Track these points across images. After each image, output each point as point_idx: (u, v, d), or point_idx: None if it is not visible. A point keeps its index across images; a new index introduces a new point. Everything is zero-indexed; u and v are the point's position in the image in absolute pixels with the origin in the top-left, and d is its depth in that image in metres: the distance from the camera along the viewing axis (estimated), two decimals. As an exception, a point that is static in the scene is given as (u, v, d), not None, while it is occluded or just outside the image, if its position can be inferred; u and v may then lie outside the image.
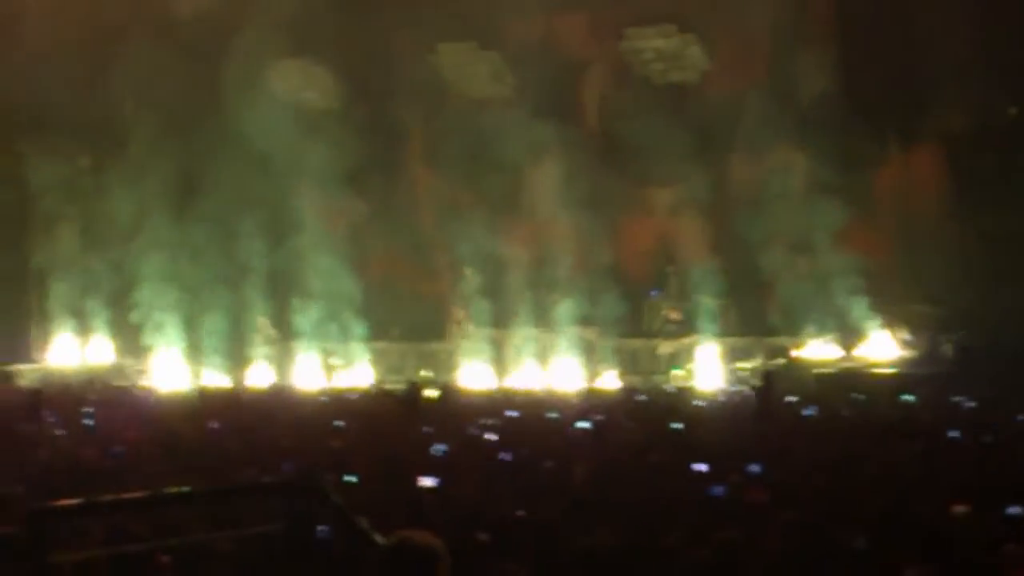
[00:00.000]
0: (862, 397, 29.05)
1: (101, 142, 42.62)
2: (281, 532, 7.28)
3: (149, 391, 37.75)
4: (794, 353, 38.25)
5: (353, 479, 15.91)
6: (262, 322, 43.71)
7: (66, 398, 30.99)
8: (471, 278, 42.58)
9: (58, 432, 22.00)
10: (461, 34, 43.32)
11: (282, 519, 7.22)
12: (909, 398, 28.74)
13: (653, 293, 42.19)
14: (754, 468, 15.13)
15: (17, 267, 44.69)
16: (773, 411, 25.57)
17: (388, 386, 34.20)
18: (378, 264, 43.25)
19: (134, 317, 42.87)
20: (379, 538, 6.64)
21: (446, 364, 42.43)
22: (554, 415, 25.41)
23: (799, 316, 38.94)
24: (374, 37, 42.47)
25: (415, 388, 28.64)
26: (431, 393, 31.91)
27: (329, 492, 7.39)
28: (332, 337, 43.05)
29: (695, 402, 31.84)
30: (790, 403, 28.23)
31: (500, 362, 42.01)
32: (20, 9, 41.92)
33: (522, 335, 42.27)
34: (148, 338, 42.85)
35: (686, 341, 40.58)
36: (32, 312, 45.29)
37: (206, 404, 30.66)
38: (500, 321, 42.95)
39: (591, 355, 41.41)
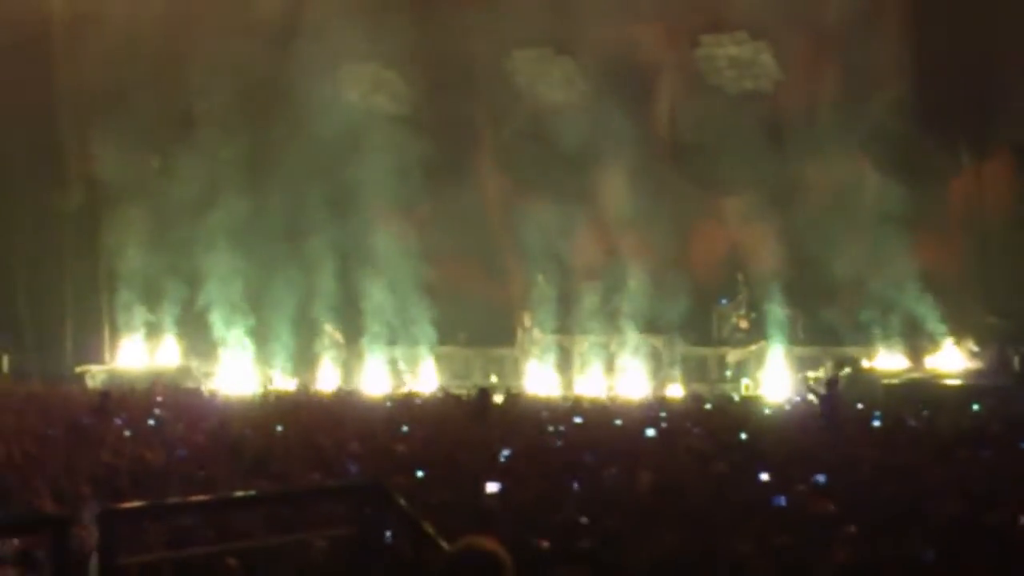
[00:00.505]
0: (930, 408, 28.81)
1: (171, 144, 42.86)
2: (347, 536, 7.30)
3: (215, 393, 37.93)
4: (863, 363, 38.01)
5: (419, 473, 16.02)
6: (329, 329, 43.87)
7: (133, 400, 31.20)
8: (543, 284, 42.58)
9: (125, 434, 22.12)
10: (536, 40, 43.30)
11: (348, 523, 7.23)
12: (977, 408, 28.52)
13: (722, 301, 42.02)
14: (820, 478, 15.04)
15: (88, 269, 45.09)
16: (840, 421, 25.40)
17: (454, 390, 34.10)
18: (446, 268, 43.27)
19: (202, 319, 43.12)
20: (444, 543, 6.65)
21: (512, 370, 42.42)
22: (619, 422, 25.35)
23: (868, 326, 38.70)
24: (449, 42, 42.54)
25: (485, 394, 28.60)
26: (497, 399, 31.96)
27: (395, 497, 7.41)
28: (399, 341, 43.16)
29: (762, 411, 31.69)
30: (858, 412, 28.08)
31: (566, 368, 41.97)
32: (92, 11, 42.23)
33: (589, 341, 42.23)
34: (215, 340, 43.11)
35: (754, 349, 40.40)
36: (102, 314, 45.64)
37: (272, 407, 30.78)
38: (567, 327, 42.95)
39: (658, 362, 41.31)
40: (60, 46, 43.84)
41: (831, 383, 28.77)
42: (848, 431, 23.43)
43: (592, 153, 40.83)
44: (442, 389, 37.33)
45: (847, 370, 36.83)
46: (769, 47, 41.31)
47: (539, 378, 41.18)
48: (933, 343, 37.78)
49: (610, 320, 42.11)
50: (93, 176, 44.15)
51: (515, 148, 42.97)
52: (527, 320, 42.68)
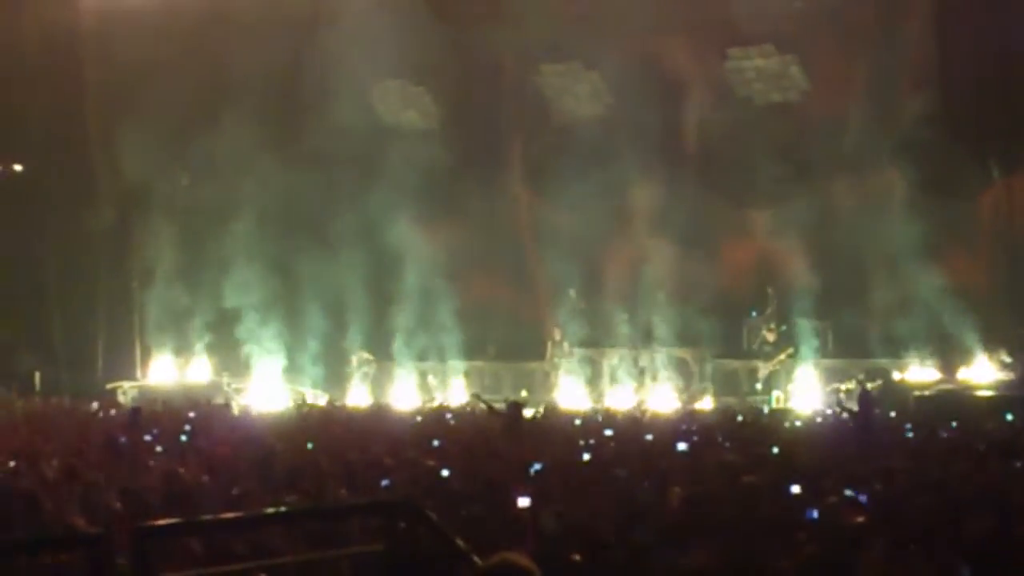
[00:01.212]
0: (962, 419, 28.69)
1: (200, 161, 42.98)
2: (381, 552, 7.32)
3: (247, 409, 38.01)
4: (894, 375, 37.91)
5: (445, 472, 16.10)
6: (359, 355, 43.99)
7: (164, 415, 31.28)
8: (574, 299, 42.57)
9: (157, 449, 22.18)
10: (564, 55, 43.38)
11: (381, 539, 7.25)
12: (1011, 418, 28.43)
13: (752, 314, 41.96)
14: (852, 490, 14.99)
15: (119, 287, 45.27)
16: (872, 433, 25.34)
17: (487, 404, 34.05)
18: (476, 283, 43.33)
19: (233, 335, 43.23)
20: (476, 559, 6.66)
21: (542, 384, 42.40)
22: (650, 436, 25.30)
23: (899, 338, 38.60)
24: (477, 57, 42.63)
25: (516, 407, 28.56)
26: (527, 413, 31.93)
27: (427, 512, 7.42)
28: (429, 356, 43.21)
29: (792, 423, 31.62)
30: (890, 423, 28.02)
31: (597, 382, 41.95)
32: (120, 29, 42.44)
33: (619, 355, 42.21)
34: (246, 356, 43.21)
35: (782, 359, 40.32)
36: (133, 331, 45.82)
37: (303, 422, 30.82)
38: (597, 341, 42.94)
39: (688, 375, 41.28)
40: (89, 65, 44.04)
41: (863, 396, 28.68)
42: (880, 443, 23.35)
43: (621, 166, 40.83)
44: (475, 395, 37.05)
45: (878, 382, 36.76)
46: (797, 59, 41.30)
47: (569, 392, 41.14)
48: (964, 355, 37.65)
49: (640, 334, 42.10)
50: (124, 194, 44.34)
51: (543, 162, 43.03)
52: (557, 334, 42.67)
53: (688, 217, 40.06)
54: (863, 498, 14.50)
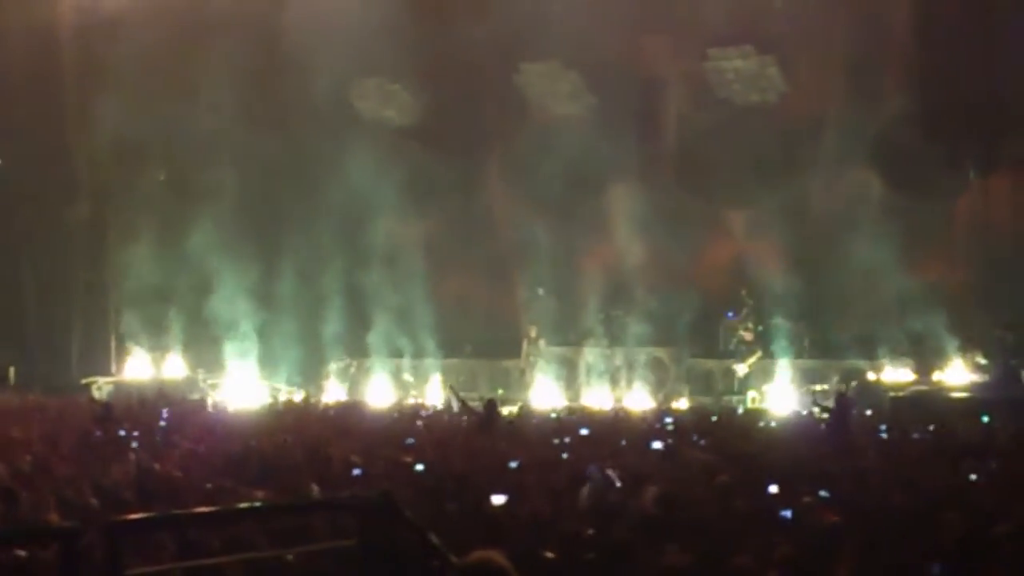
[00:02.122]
0: (937, 420, 28.75)
1: (177, 156, 42.92)
2: (354, 548, 7.31)
3: (221, 405, 37.93)
4: (869, 376, 37.99)
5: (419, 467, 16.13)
6: (342, 362, 44.03)
7: (138, 411, 31.21)
8: (543, 297, 42.63)
9: (130, 445, 22.13)
10: (544, 54, 43.38)
11: (355, 535, 7.25)
12: (987, 420, 28.51)
13: (729, 314, 42.00)
14: (826, 490, 15.04)
15: (94, 281, 45.16)
16: (848, 433, 25.40)
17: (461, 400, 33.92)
18: (453, 281, 43.34)
19: (208, 331, 43.13)
20: (451, 555, 6.66)
21: (518, 382, 42.39)
22: (624, 439, 25.30)
23: (874, 339, 38.68)
24: (456, 55, 42.62)
25: (492, 405, 28.57)
26: (507, 411, 31.97)
27: (402, 509, 7.42)
28: (405, 353, 43.19)
29: (767, 423, 31.66)
30: (865, 425, 28.09)
31: (572, 381, 41.96)
32: (102, 23, 42.32)
33: (595, 354, 42.23)
34: (222, 352, 43.11)
35: (753, 361, 40.36)
36: (108, 326, 45.73)
37: (278, 419, 30.78)
38: (573, 340, 42.98)
39: (664, 375, 41.30)
40: (69, 57, 43.91)
41: (840, 397, 28.73)
42: (855, 444, 23.41)
43: (599, 166, 40.87)
44: (451, 388, 36.85)
45: (853, 384, 36.83)
46: (775, 60, 41.37)
47: (545, 390, 41.13)
48: (940, 356, 37.75)
49: (616, 333, 42.14)
50: (100, 188, 44.25)
51: (522, 161, 43.03)
52: (532, 332, 42.67)
53: (666, 216, 40.11)
54: (837, 498, 14.55)
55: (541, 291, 42.77)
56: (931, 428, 26.82)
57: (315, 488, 14.80)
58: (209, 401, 38.86)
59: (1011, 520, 12.36)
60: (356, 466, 17.55)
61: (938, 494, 14.94)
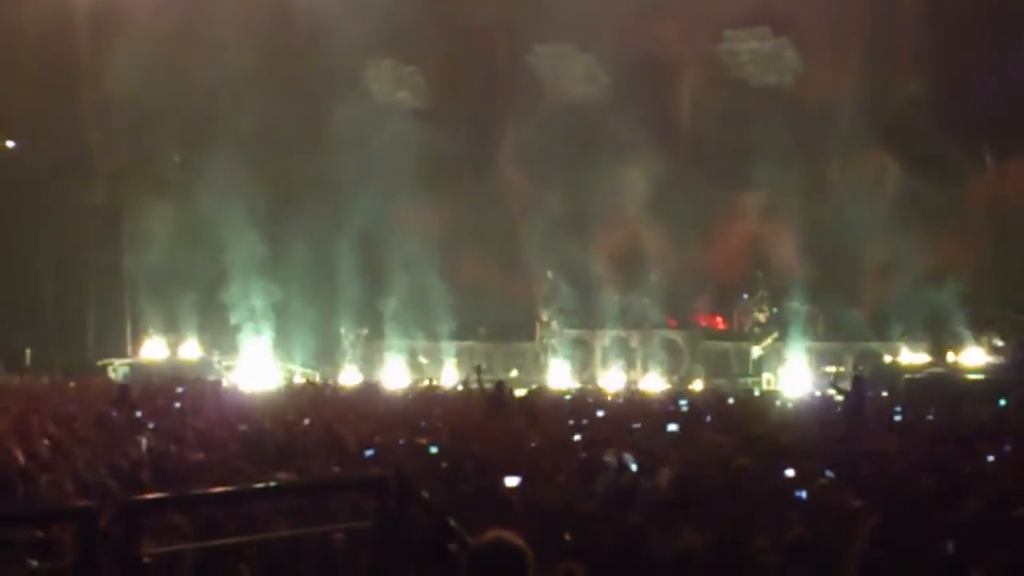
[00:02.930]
0: (951, 402, 28.69)
1: (193, 139, 42.94)
2: (369, 528, 7.32)
3: (237, 386, 37.98)
4: (885, 358, 37.94)
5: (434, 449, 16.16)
6: (346, 330, 43.98)
7: (154, 392, 31.26)
8: (553, 280, 42.65)
9: (148, 426, 22.17)
10: (558, 35, 43.35)
11: (370, 515, 7.25)
12: (1003, 403, 28.44)
13: (743, 296, 41.97)
14: (842, 471, 15.02)
15: (111, 264, 45.20)
16: (864, 415, 25.37)
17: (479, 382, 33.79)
18: (468, 264, 43.32)
19: (224, 313, 43.17)
20: (466, 536, 6.67)
21: (533, 364, 42.39)
22: (638, 422, 25.27)
23: (890, 321, 38.63)
24: (470, 37, 42.60)
25: (502, 387, 28.58)
26: (518, 392, 31.97)
27: (418, 489, 7.42)
28: (419, 336, 43.18)
29: (783, 405, 31.62)
30: (881, 406, 28.05)
31: (588, 363, 41.93)
32: (118, 6, 42.29)
33: (610, 336, 42.21)
34: (237, 334, 43.15)
35: (768, 343, 40.30)
36: (124, 308, 45.80)
37: (293, 400, 30.81)
38: (588, 322, 42.98)
39: (679, 357, 41.27)
40: (85, 43, 43.92)
41: (857, 380, 28.67)
42: (871, 426, 23.38)
43: (613, 148, 40.86)
44: (477, 368, 36.39)
45: (860, 368, 36.71)
46: (791, 42, 41.27)
47: (560, 372, 41.11)
48: (955, 338, 37.69)
49: (631, 315, 42.14)
50: (116, 171, 44.31)
51: (536, 142, 43.02)
52: (545, 315, 42.68)
53: (680, 198, 40.09)
54: (852, 479, 14.53)
55: (550, 274, 42.81)
56: (946, 410, 26.78)
57: (332, 469, 14.84)
58: (224, 382, 38.93)
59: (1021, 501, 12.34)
60: (371, 447, 17.57)
61: (954, 475, 14.91)
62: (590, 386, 39.01)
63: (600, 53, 43.52)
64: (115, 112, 41.84)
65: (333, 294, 43.13)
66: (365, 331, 44.15)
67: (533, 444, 18.37)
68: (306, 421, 22.35)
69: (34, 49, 41.98)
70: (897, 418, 25.58)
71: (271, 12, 40.90)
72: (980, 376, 34.66)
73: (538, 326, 43.00)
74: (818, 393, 35.37)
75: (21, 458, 14.90)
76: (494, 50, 43.89)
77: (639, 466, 15.81)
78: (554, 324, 42.66)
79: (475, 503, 12.62)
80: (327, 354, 44.20)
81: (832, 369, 37.86)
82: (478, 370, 35.15)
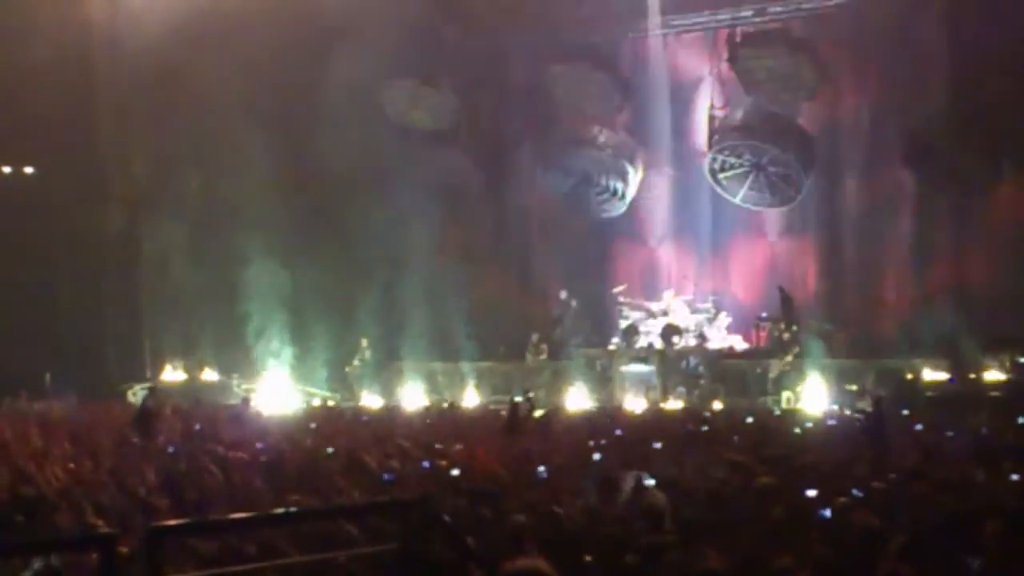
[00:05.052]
0: (973, 420, 28.58)
1: (210, 161, 43.04)
2: (392, 552, 7.30)
3: (256, 409, 37.96)
4: (906, 376, 37.77)
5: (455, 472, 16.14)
6: (365, 345, 43.97)
7: (174, 416, 31.29)
8: (567, 300, 42.77)
9: (166, 451, 22.20)
10: (573, 55, 43.50)
11: (393, 539, 7.24)
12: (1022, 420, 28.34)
13: (763, 315, 41.88)
14: (864, 490, 14.98)
15: (129, 287, 45.31)
16: (886, 434, 25.29)
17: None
18: (486, 283, 43.31)
19: (242, 336, 43.18)
20: (492, 562, 6.65)
21: (551, 384, 42.25)
22: (659, 438, 25.21)
23: (910, 338, 38.48)
24: (486, 59, 42.77)
25: (516, 408, 28.54)
26: (537, 413, 31.86)
27: (441, 514, 7.41)
28: (438, 357, 43.12)
29: (803, 424, 31.52)
30: (903, 425, 27.98)
31: (606, 383, 41.80)
32: (137, 32, 42.41)
33: (627, 356, 42.12)
34: (256, 357, 43.16)
35: (790, 360, 40.12)
36: (143, 331, 45.91)
37: (313, 423, 30.81)
38: (604, 342, 43.00)
39: (698, 376, 41.13)
40: (99, 67, 44.06)
41: (877, 400, 28.58)
42: (892, 446, 23.31)
43: (629, 166, 40.97)
44: (526, 396, 35.87)
45: (890, 383, 36.59)
46: (808, 60, 41.22)
47: (579, 393, 40.96)
48: (976, 355, 37.52)
49: (647, 335, 42.13)
50: (134, 196, 44.45)
51: (553, 161, 43.16)
52: (534, 337, 42.82)
53: (698, 216, 40.17)
54: (875, 499, 14.49)
55: (564, 294, 42.93)
56: (968, 428, 26.68)
57: (353, 493, 14.82)
58: (242, 405, 38.92)
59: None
60: (391, 471, 17.56)
61: (978, 495, 14.86)
62: (609, 406, 38.83)
63: (615, 72, 43.75)
64: (133, 136, 41.97)
65: (352, 316, 43.10)
66: (368, 352, 44.07)
67: (543, 467, 18.28)
68: (329, 450, 22.22)
69: (52, 74, 42.07)
70: (918, 436, 25.50)
71: (290, 35, 40.90)
72: (1002, 394, 34.52)
73: (544, 346, 42.98)
74: (838, 411, 35.21)
75: (42, 484, 14.92)
76: (510, 69, 44.07)
77: (659, 486, 15.78)
78: (543, 345, 42.76)
79: (495, 526, 12.59)
80: (346, 377, 44.16)
81: (854, 387, 37.63)
82: (527, 397, 34.70)
